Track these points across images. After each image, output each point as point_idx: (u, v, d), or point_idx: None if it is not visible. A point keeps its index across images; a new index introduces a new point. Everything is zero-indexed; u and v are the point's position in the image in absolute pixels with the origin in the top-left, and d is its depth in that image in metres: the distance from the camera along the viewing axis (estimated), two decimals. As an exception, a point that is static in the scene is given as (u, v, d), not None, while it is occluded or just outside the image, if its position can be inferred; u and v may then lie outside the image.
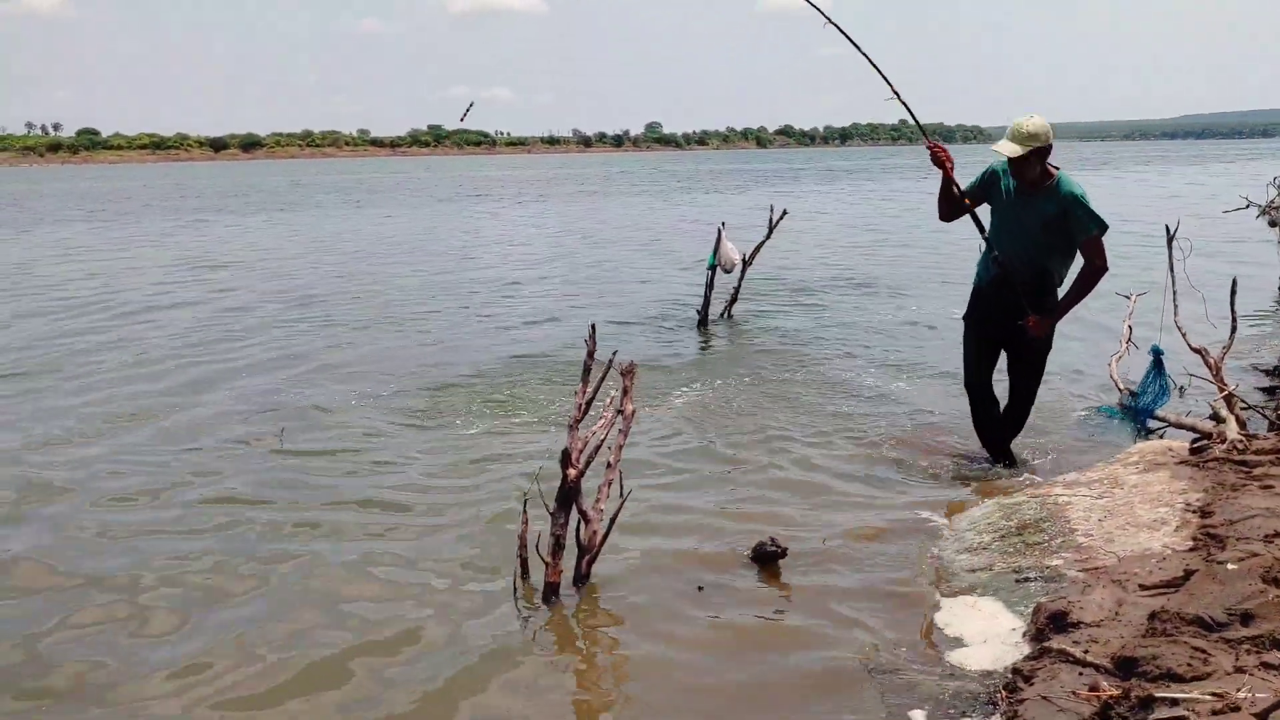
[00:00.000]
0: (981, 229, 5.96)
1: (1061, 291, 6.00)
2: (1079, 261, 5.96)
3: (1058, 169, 5.79)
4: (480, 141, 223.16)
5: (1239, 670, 3.14)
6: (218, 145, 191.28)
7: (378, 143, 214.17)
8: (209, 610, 4.66)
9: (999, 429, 6.41)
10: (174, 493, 6.24)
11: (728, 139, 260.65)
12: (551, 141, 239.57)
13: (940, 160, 5.73)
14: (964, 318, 6.39)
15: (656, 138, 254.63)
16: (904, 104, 6.05)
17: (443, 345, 10.95)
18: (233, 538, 5.50)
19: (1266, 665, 3.13)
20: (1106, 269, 5.81)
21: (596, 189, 53.40)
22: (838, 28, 6.04)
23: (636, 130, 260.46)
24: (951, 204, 5.94)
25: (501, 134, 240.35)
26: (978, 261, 6.22)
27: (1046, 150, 5.67)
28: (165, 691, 3.97)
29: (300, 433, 7.44)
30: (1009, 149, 5.56)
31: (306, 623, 4.53)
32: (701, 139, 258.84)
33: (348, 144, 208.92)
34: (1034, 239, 5.81)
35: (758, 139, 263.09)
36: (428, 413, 7.98)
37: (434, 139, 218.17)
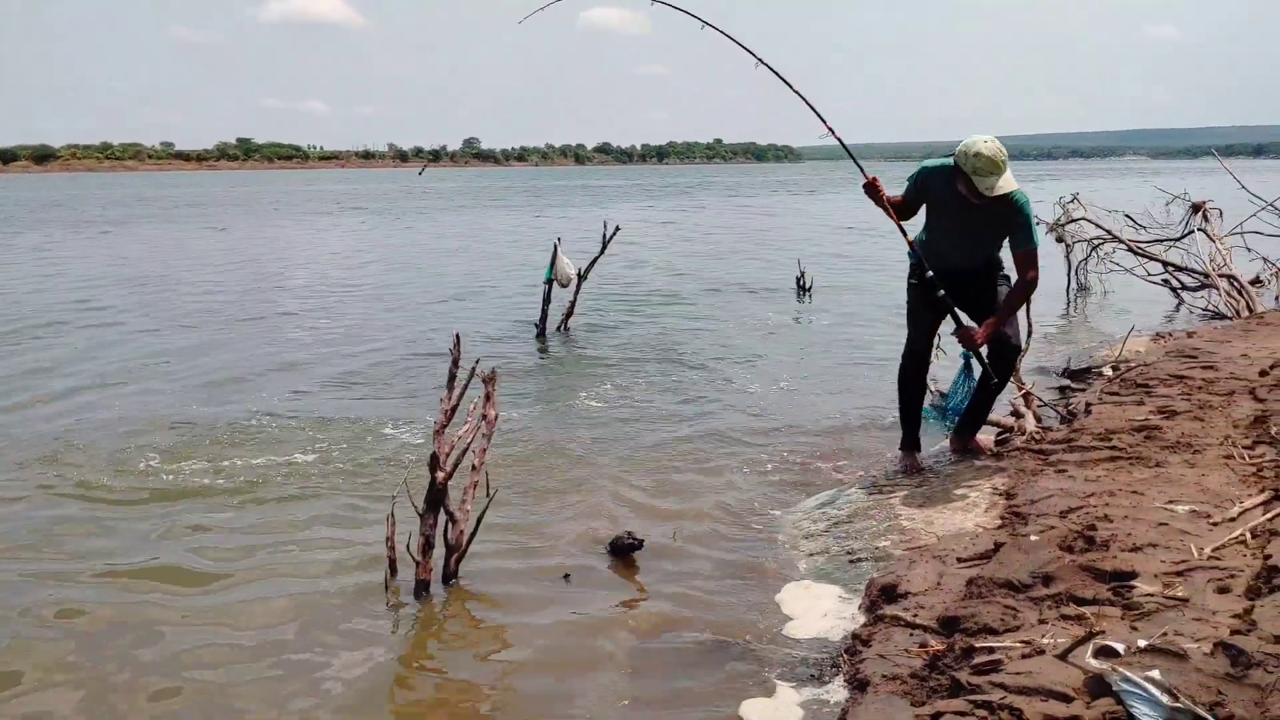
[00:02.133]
0: (912, 245, 6.02)
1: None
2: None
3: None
4: (292, 155, 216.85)
5: (1043, 622, 3.65)
6: (6, 157, 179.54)
7: (183, 156, 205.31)
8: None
9: (922, 395, 6.49)
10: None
11: (547, 155, 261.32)
12: (367, 156, 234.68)
13: (874, 193, 5.84)
14: (909, 286, 6.24)
15: (475, 153, 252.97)
16: (839, 140, 6.16)
17: (283, 361, 10.89)
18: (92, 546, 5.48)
19: (1065, 617, 3.65)
20: (1037, 283, 5.81)
21: (421, 204, 52.90)
22: (770, 68, 6.15)
23: (454, 145, 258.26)
24: (896, 218, 5.99)
25: (314, 147, 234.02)
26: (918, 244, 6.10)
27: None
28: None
29: (184, 444, 7.36)
30: (1010, 184, 5.48)
31: (169, 631, 4.61)
32: (520, 155, 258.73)
33: (151, 157, 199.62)
34: (984, 235, 5.83)
35: (576, 156, 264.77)
36: (281, 421, 7.99)
37: (243, 152, 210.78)
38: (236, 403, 8.85)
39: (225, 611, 4.81)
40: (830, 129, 6.10)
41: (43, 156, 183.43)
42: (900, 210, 5.99)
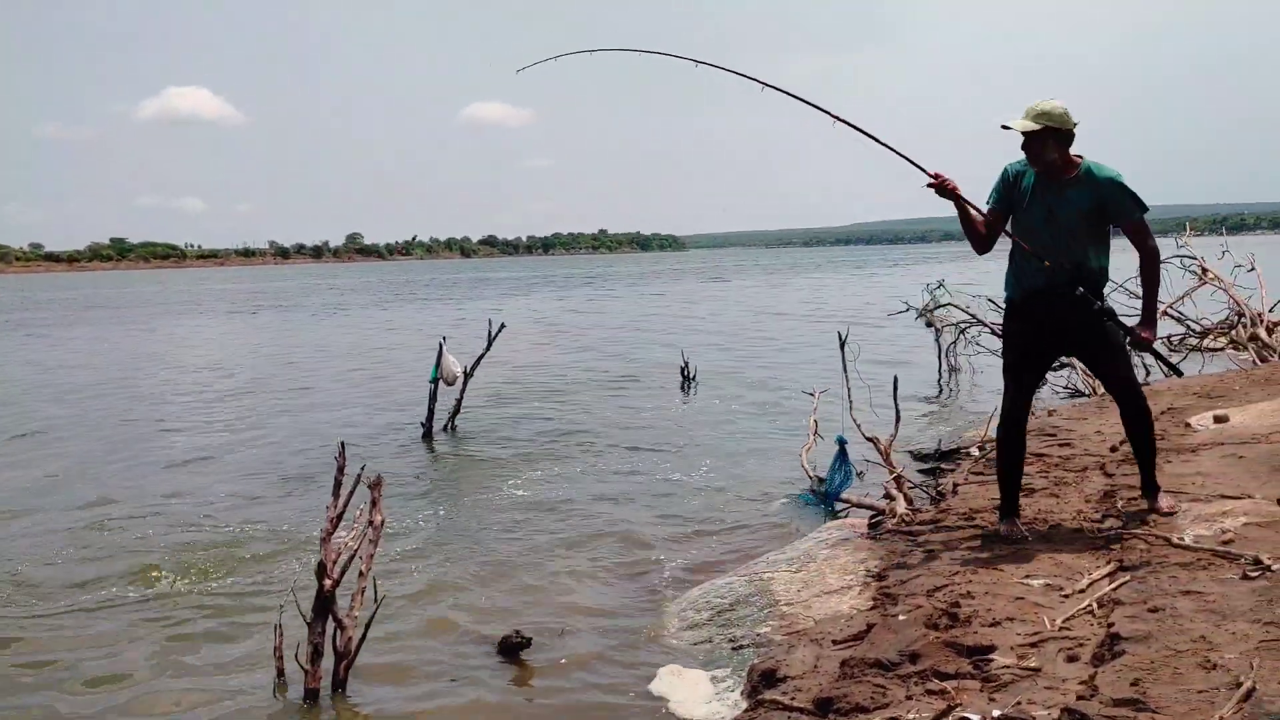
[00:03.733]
0: (1020, 243, 5.41)
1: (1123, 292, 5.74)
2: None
3: (1082, 158, 5.30)
4: (169, 254, 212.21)
5: (909, 698, 3.86)
6: None
7: (54, 257, 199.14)
8: None
9: (1021, 458, 5.84)
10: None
11: (431, 249, 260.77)
12: (247, 253, 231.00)
13: (946, 190, 5.36)
14: (1003, 344, 5.81)
15: (359, 248, 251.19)
16: (951, 191, 5.41)
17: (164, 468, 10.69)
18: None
19: (929, 691, 3.87)
20: (1159, 253, 5.44)
21: (296, 303, 52.30)
22: (849, 124, 5.71)
23: (337, 241, 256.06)
24: (977, 232, 5.49)
25: (192, 246, 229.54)
26: (1005, 280, 5.63)
27: (1066, 136, 5.21)
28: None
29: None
30: (1021, 125, 5.15)
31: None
32: (405, 249, 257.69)
33: (19, 259, 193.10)
34: (1069, 233, 5.28)
35: (462, 249, 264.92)
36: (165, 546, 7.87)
37: (117, 253, 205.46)
38: (110, 507, 8.67)
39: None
40: (932, 175, 5.41)
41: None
42: (988, 230, 5.50)
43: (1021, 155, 5.34)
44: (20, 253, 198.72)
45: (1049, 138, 5.18)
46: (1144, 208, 5.25)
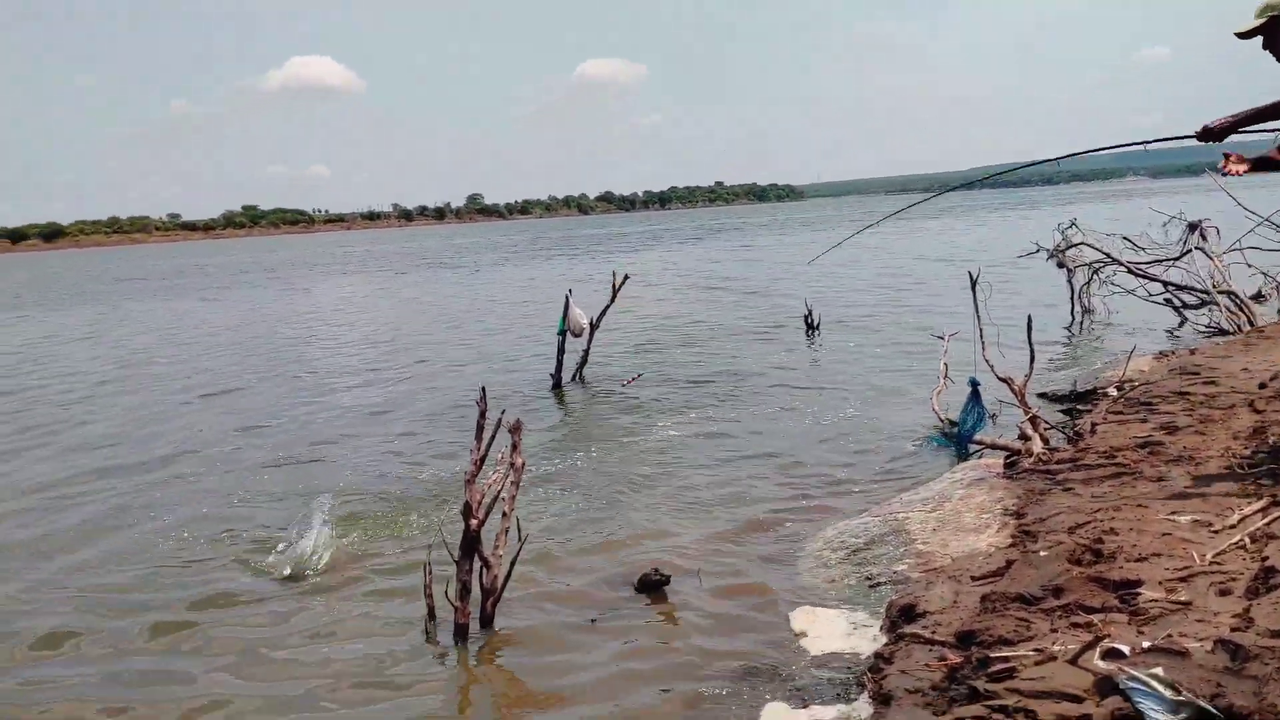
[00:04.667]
0: None
1: None
2: None
3: None
4: (298, 220, 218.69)
5: (1054, 631, 3.85)
6: (16, 236, 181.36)
7: (190, 226, 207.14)
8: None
9: None
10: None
11: (550, 207, 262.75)
12: (372, 216, 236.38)
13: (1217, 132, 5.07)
14: None
15: (479, 208, 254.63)
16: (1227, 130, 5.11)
17: (315, 426, 11.15)
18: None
19: (1074, 625, 3.85)
20: None
21: (426, 261, 53.42)
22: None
23: (458, 202, 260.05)
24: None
25: (320, 211, 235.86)
26: None
27: None
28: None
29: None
30: (1246, 26, 4.91)
31: (248, 684, 4.83)
32: (524, 208, 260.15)
33: (158, 229, 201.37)
34: None
35: (579, 206, 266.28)
36: (304, 488, 8.23)
37: (249, 219, 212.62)
38: (270, 450, 9.11)
39: (273, 663, 5.03)
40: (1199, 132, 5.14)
41: (52, 234, 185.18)
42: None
43: None
44: (160, 223, 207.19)
45: (1277, 28, 4.90)
46: None
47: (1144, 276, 14.32)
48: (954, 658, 3.91)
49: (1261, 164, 5.13)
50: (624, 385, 12.18)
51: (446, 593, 5.05)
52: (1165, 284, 14.18)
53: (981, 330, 8.37)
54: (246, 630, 5.46)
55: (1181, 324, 13.94)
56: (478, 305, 25.62)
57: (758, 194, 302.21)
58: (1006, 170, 6.97)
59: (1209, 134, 5.10)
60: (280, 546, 6.56)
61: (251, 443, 10.21)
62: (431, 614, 5.17)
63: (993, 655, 3.72)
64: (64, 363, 18.01)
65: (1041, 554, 4.59)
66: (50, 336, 23.46)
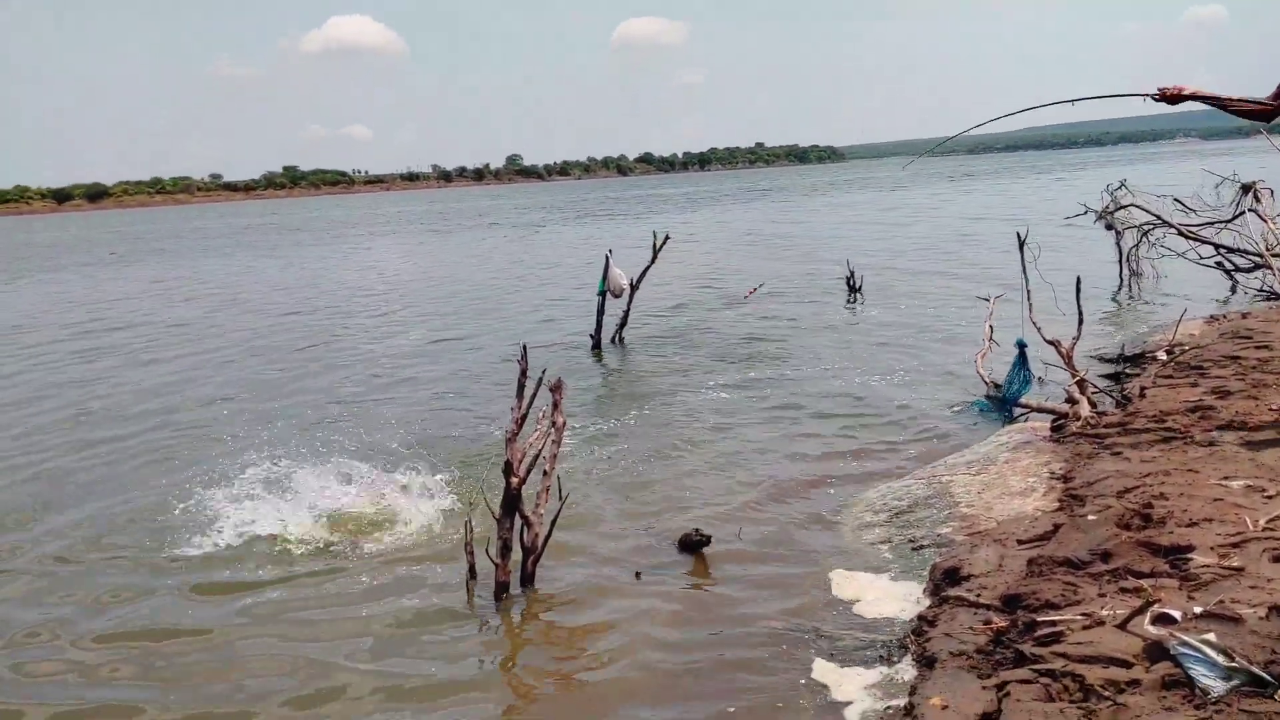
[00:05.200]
0: None
1: None
2: None
3: None
4: (338, 181, 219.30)
5: (1102, 596, 3.80)
6: (61, 196, 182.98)
7: (231, 187, 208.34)
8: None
9: None
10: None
11: (589, 169, 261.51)
12: (411, 177, 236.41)
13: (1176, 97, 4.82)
14: None
15: (518, 169, 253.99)
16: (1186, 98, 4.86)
17: (373, 383, 11.22)
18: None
19: (1123, 590, 3.80)
20: None
21: (467, 223, 53.44)
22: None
23: (497, 163, 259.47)
24: (1247, 111, 4.96)
25: (359, 172, 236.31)
26: None
27: None
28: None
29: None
30: None
31: (295, 643, 4.88)
32: (563, 169, 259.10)
33: (200, 189, 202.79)
34: None
35: (619, 167, 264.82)
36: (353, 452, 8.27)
37: (290, 180, 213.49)
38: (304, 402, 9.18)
39: (319, 617, 5.08)
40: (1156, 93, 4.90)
41: (96, 194, 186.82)
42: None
43: None
44: (201, 183, 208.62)
45: None
46: None
47: (1195, 239, 14.01)
48: (999, 621, 3.87)
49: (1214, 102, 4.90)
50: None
51: (488, 551, 5.06)
52: (1217, 247, 13.87)
53: (1029, 292, 8.24)
54: (291, 591, 5.49)
55: (1233, 288, 13.66)
56: (537, 264, 25.60)
57: (798, 155, 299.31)
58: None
59: (1166, 97, 4.86)
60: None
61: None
62: (473, 572, 5.19)
63: (1039, 619, 3.69)
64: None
65: (1089, 518, 4.53)
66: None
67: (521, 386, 5.19)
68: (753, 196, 67.43)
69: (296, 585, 5.54)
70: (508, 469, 5.03)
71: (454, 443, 8.12)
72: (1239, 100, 4.93)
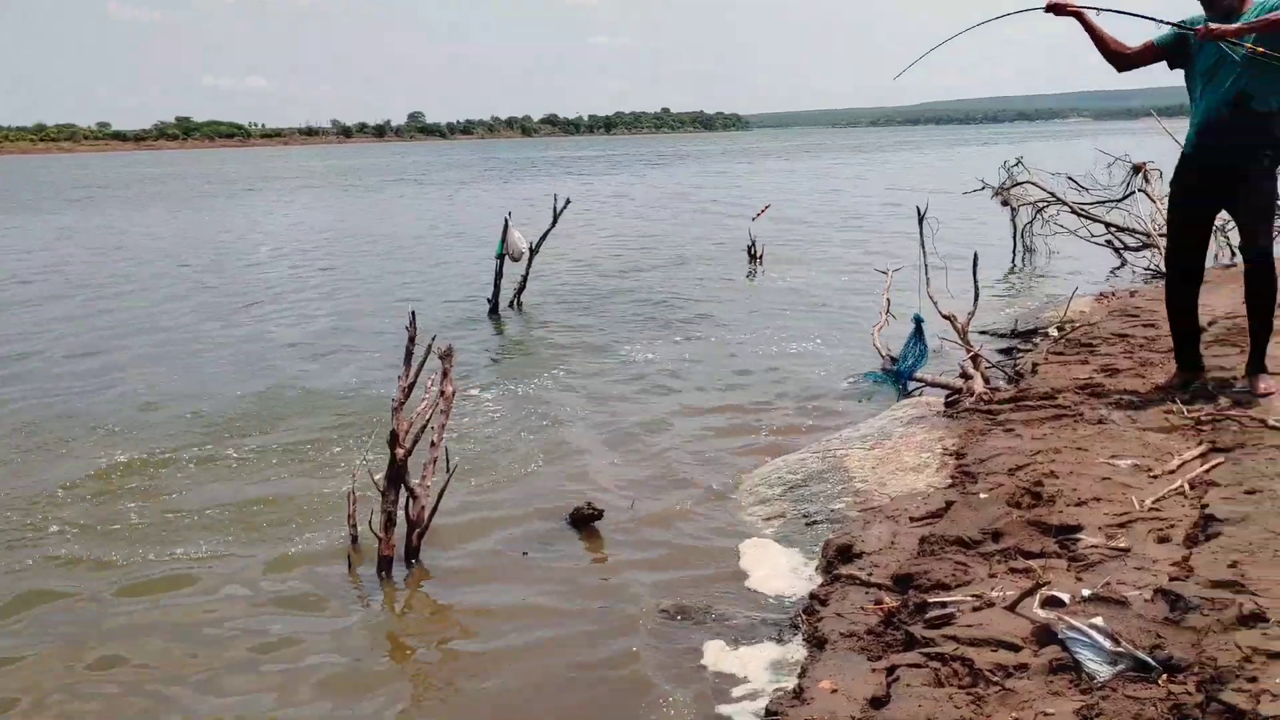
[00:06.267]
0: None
1: None
2: None
3: None
4: (233, 134, 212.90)
5: (992, 576, 3.78)
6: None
7: (121, 136, 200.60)
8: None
9: (1193, 322, 5.68)
10: None
11: (493, 129, 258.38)
12: (310, 132, 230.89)
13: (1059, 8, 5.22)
14: (1170, 190, 5.67)
15: (420, 128, 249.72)
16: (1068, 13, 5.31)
17: (241, 351, 10.82)
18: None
19: (1013, 570, 3.78)
20: None
21: (363, 182, 52.28)
22: None
23: (399, 120, 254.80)
24: (1110, 53, 5.40)
25: (256, 125, 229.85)
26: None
27: None
28: None
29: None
30: None
31: (148, 613, 4.63)
32: (466, 128, 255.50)
33: (87, 138, 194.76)
34: (1240, 83, 5.06)
35: (523, 128, 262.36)
36: (237, 424, 7.95)
37: (182, 132, 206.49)
38: (185, 380, 8.81)
39: (186, 594, 4.83)
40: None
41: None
42: (1130, 56, 5.40)
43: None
44: (89, 131, 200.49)
45: None
46: None
47: (1087, 217, 14.34)
48: (890, 601, 3.83)
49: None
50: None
51: (371, 524, 4.87)
52: (1107, 225, 14.22)
53: (926, 265, 8.28)
54: (146, 567, 5.23)
55: (1122, 266, 14.01)
56: (423, 223, 25.11)
57: (704, 122, 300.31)
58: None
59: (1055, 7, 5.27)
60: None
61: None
62: (354, 542, 5.01)
63: (930, 600, 3.65)
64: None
65: (981, 496, 4.52)
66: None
67: (409, 354, 5.01)
68: (670, 162, 67.31)
69: (154, 562, 5.28)
70: (393, 439, 4.84)
71: (336, 410, 7.84)
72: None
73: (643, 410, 7.74)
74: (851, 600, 3.96)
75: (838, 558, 4.49)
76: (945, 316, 7.83)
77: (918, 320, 7.90)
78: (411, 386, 4.97)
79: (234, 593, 4.83)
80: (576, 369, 9.15)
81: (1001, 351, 8.93)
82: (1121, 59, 5.52)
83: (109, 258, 19.28)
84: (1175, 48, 5.36)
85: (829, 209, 25.79)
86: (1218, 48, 5.07)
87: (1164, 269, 5.97)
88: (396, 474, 4.88)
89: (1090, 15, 5.31)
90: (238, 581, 4.95)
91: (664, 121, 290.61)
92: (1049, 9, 5.29)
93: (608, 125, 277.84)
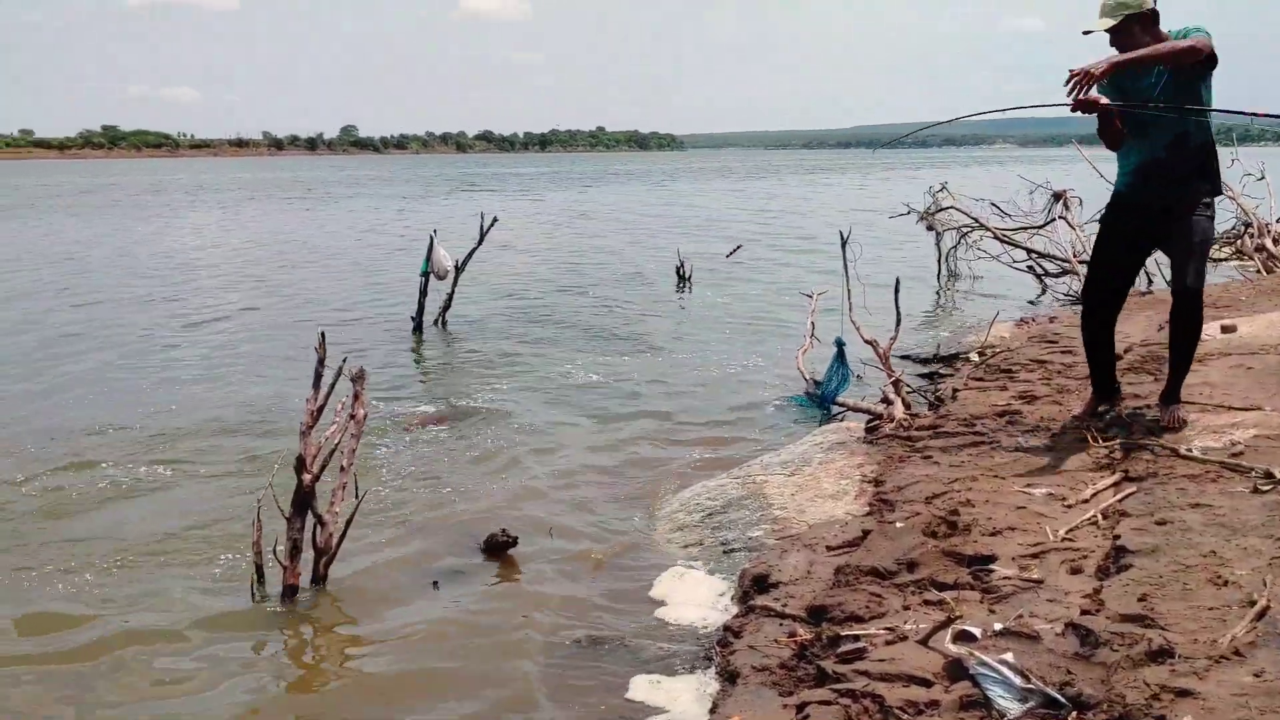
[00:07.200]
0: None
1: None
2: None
3: (1168, 32, 4.98)
4: (161, 144, 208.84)
5: (906, 608, 3.73)
6: None
7: (45, 144, 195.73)
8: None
9: (1109, 351, 5.67)
10: None
11: (427, 143, 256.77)
12: (240, 144, 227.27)
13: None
14: (1101, 226, 5.70)
15: (354, 141, 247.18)
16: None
17: (157, 377, 10.51)
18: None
19: (927, 602, 3.74)
20: (1197, 52, 4.80)
21: (295, 196, 51.49)
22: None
23: (331, 133, 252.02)
24: (1113, 136, 5.33)
25: (185, 135, 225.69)
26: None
27: (1148, 16, 4.92)
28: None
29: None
30: (1103, 24, 4.91)
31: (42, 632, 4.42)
32: (400, 143, 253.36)
33: (9, 145, 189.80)
34: (1180, 124, 5.07)
35: (458, 144, 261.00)
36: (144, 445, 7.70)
37: (108, 141, 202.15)
38: (88, 403, 8.52)
39: (78, 631, 4.62)
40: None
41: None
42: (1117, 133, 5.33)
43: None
44: (10, 139, 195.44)
45: (1133, 26, 4.90)
46: (1207, 33, 4.87)
47: (1009, 243, 14.56)
48: (804, 634, 3.77)
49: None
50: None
51: (276, 551, 4.70)
52: (1029, 251, 14.45)
53: (850, 290, 8.29)
54: (36, 589, 5.01)
55: (1043, 291, 14.22)
56: (350, 240, 24.74)
57: (639, 142, 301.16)
58: (922, 129, 6.71)
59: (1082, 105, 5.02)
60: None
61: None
62: (260, 573, 4.81)
63: (843, 633, 3.59)
64: None
65: (897, 525, 4.49)
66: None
67: (319, 376, 4.86)
68: (608, 180, 67.31)
69: (45, 589, 5.05)
70: (300, 464, 4.68)
71: (243, 433, 7.61)
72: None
73: (562, 433, 7.64)
74: (765, 632, 3.89)
75: (753, 588, 4.43)
76: (867, 341, 7.85)
77: (839, 344, 7.91)
78: (320, 410, 4.83)
79: (130, 624, 4.62)
80: (497, 389, 9.03)
81: (923, 376, 8.98)
82: (1117, 140, 5.39)
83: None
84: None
85: (768, 230, 25.94)
86: (1157, 86, 5.07)
87: (1081, 297, 5.98)
88: (303, 500, 4.72)
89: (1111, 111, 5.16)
90: (136, 610, 4.75)
91: (599, 139, 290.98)
92: (1076, 108, 5.05)
93: (543, 142, 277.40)
